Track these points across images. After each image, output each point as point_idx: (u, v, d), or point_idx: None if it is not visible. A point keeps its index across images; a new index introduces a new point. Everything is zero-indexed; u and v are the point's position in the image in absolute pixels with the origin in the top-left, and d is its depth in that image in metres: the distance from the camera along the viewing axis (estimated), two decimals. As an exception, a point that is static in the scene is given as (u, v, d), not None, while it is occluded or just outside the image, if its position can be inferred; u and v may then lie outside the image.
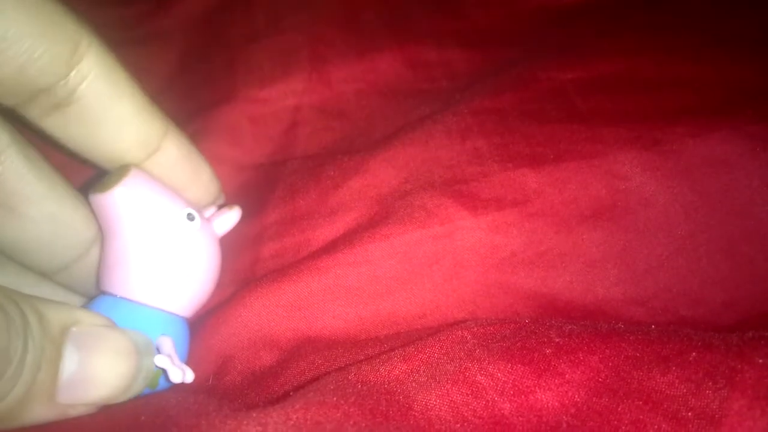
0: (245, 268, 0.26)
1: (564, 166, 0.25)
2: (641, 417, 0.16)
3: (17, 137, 0.20)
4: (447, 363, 0.19)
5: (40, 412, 0.17)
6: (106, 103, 0.20)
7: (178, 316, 0.22)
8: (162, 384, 0.21)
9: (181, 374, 0.19)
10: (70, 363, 0.17)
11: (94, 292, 0.23)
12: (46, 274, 0.22)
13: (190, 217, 0.22)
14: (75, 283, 0.23)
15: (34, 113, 0.20)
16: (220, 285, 0.25)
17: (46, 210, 0.21)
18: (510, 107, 0.29)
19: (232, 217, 0.24)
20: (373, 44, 0.36)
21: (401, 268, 0.24)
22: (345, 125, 0.33)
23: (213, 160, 0.26)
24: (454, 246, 0.24)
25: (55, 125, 0.20)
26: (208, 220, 0.23)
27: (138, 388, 0.19)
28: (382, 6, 0.38)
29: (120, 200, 0.20)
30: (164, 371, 0.20)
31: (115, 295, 0.21)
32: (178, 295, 0.21)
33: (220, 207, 0.25)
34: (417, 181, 0.26)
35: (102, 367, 0.17)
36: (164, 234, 0.21)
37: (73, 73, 0.19)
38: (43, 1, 0.18)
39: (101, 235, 0.22)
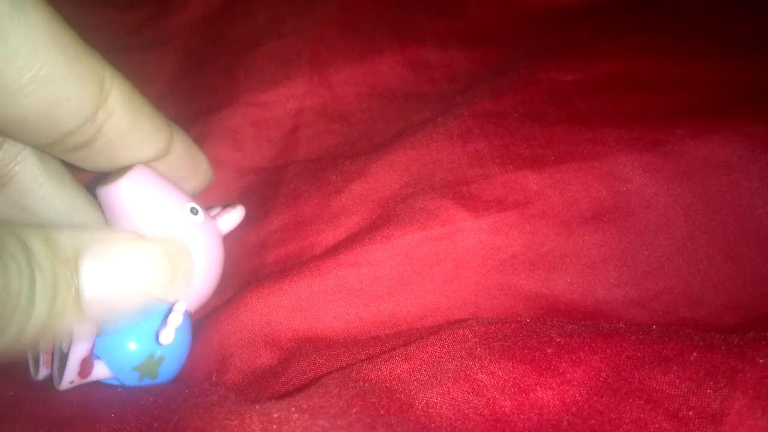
0: (249, 273, 0.26)
1: (565, 168, 0.25)
2: (642, 416, 0.16)
3: None
4: (448, 361, 0.19)
5: (74, 323, 0.17)
6: (128, 132, 0.20)
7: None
8: (162, 375, 0.21)
9: (170, 337, 0.20)
10: (91, 279, 0.17)
11: None
12: None
13: (194, 211, 0.22)
14: None
15: (58, 151, 0.20)
16: (224, 289, 0.26)
17: (56, 209, 0.22)
18: (511, 109, 0.29)
19: (236, 215, 0.24)
20: (374, 47, 0.36)
21: (402, 270, 0.24)
22: (346, 128, 0.33)
23: (215, 164, 0.26)
24: (455, 247, 0.24)
25: (79, 159, 0.21)
26: (213, 218, 0.23)
27: (179, 288, 0.19)
28: (383, 8, 0.39)
29: (125, 192, 0.21)
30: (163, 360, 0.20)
31: None
32: None
33: (225, 206, 0.25)
34: (418, 184, 0.26)
35: (128, 273, 0.18)
36: (168, 226, 0.21)
37: (100, 112, 0.19)
38: (72, 41, 0.18)
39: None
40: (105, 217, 0.22)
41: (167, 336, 0.19)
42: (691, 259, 0.24)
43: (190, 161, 0.24)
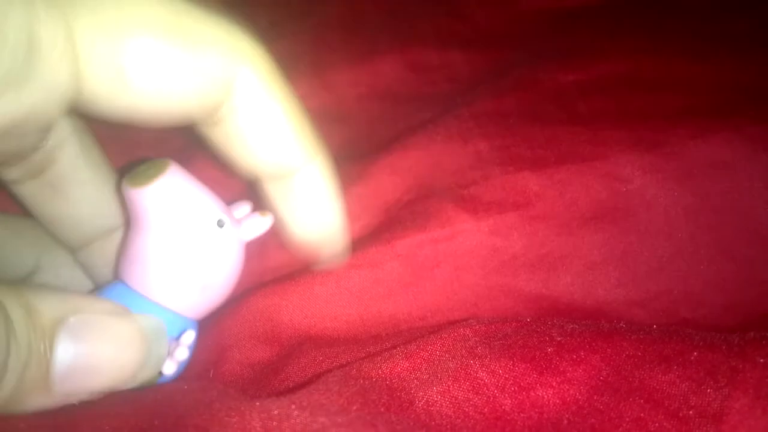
0: (253, 277, 0.26)
1: (565, 169, 0.25)
2: (642, 415, 0.16)
3: (78, 126, 0.21)
4: (449, 360, 0.19)
5: (38, 401, 0.16)
6: (251, 129, 0.20)
7: (188, 318, 0.21)
8: (159, 383, 0.21)
9: (173, 369, 0.19)
10: (64, 354, 0.16)
11: (106, 277, 0.23)
12: (72, 249, 0.23)
13: (220, 224, 0.21)
14: (92, 263, 0.23)
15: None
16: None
17: (87, 192, 0.22)
18: (511, 110, 0.29)
19: (263, 224, 0.23)
20: (375, 48, 0.36)
21: (403, 271, 0.24)
22: (347, 129, 0.33)
23: (215, 165, 0.26)
24: (455, 249, 0.24)
25: (199, 131, 0.20)
26: (239, 221, 0.22)
27: (149, 373, 0.19)
28: (383, 10, 0.39)
29: (152, 197, 0.20)
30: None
31: (131, 288, 0.20)
32: (193, 300, 0.21)
33: (254, 210, 0.24)
34: (420, 188, 0.26)
35: (102, 355, 0.17)
36: (191, 238, 0.20)
37: (223, 108, 0.19)
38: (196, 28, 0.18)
39: (127, 223, 0.22)
40: (126, 213, 0.21)
41: (170, 368, 0.19)
42: (692, 259, 0.24)
43: (316, 203, 0.22)
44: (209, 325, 0.23)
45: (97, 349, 0.17)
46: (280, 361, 0.21)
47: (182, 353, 0.20)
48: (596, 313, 0.23)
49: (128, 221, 0.21)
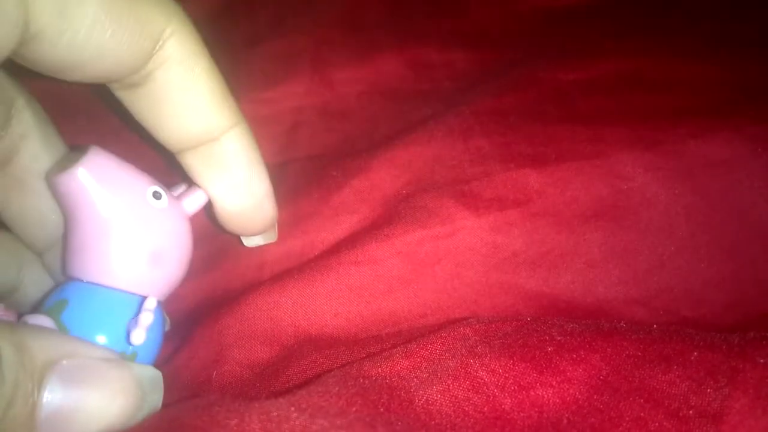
0: (252, 271, 0.26)
1: (566, 167, 0.25)
2: (642, 415, 0.16)
3: (40, 116, 0.21)
4: (449, 359, 0.19)
5: None
6: (177, 88, 0.20)
7: (144, 297, 0.20)
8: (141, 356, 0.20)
9: (141, 337, 0.19)
10: (51, 398, 0.16)
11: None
12: (38, 251, 0.23)
13: (157, 195, 0.21)
14: (55, 268, 0.23)
15: (111, 86, 0.20)
16: (225, 288, 0.25)
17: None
18: (512, 107, 0.29)
19: (201, 196, 0.23)
20: (375, 46, 0.36)
21: (403, 268, 0.24)
22: (347, 126, 0.33)
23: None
24: (455, 246, 0.24)
25: (127, 98, 0.20)
26: (178, 198, 0.22)
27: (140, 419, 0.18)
28: (384, 8, 0.39)
29: (82, 180, 0.19)
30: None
31: (82, 281, 0.20)
32: (146, 276, 0.20)
33: (190, 185, 0.23)
34: (419, 181, 0.26)
35: (92, 402, 0.16)
36: (127, 213, 0.20)
37: (151, 61, 0.19)
38: None
39: (65, 218, 0.21)
40: (60, 207, 0.21)
41: (139, 336, 0.18)
42: (692, 258, 0.24)
43: (242, 170, 0.22)
44: (210, 322, 0.23)
45: (87, 395, 0.16)
46: (281, 363, 0.21)
47: (146, 318, 0.19)
48: (596, 311, 0.23)
49: (64, 214, 0.21)
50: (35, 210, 0.22)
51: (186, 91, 0.20)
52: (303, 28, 0.37)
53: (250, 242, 0.25)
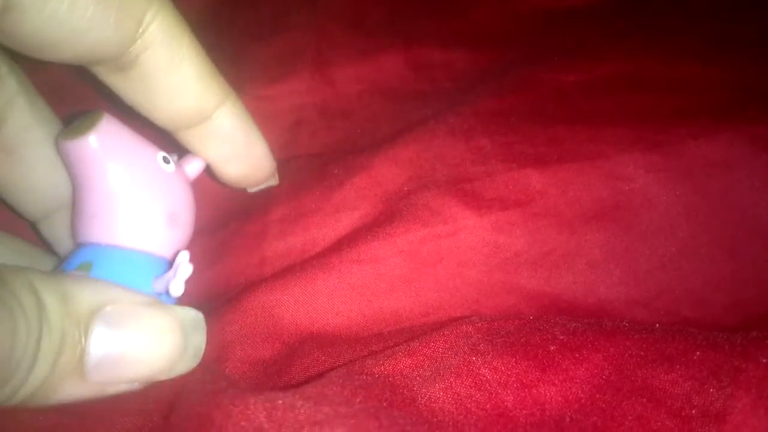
0: (252, 268, 0.26)
1: (567, 167, 0.25)
2: (645, 414, 0.16)
3: (25, 84, 0.21)
4: (451, 357, 0.19)
5: (72, 391, 0.16)
6: (165, 71, 0.20)
7: (163, 257, 0.21)
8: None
9: (181, 288, 0.19)
10: (98, 341, 0.16)
11: (69, 248, 0.22)
12: (33, 221, 0.23)
13: (166, 160, 0.22)
14: (55, 235, 0.23)
15: (97, 71, 0.20)
16: (226, 284, 0.25)
17: (41, 153, 0.22)
18: (513, 108, 0.29)
19: (199, 163, 0.24)
20: (377, 45, 0.36)
21: (405, 267, 0.24)
22: (347, 125, 0.33)
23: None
24: (457, 245, 0.24)
25: (115, 84, 0.20)
26: (180, 165, 0.23)
27: (186, 364, 0.19)
28: (386, 7, 0.39)
29: (96, 146, 0.20)
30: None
31: (99, 244, 0.20)
32: (164, 236, 0.21)
33: (182, 154, 0.24)
34: (421, 179, 0.26)
35: (138, 345, 0.17)
36: (148, 177, 0.21)
37: (136, 44, 0.19)
38: None
39: (74, 183, 0.21)
40: (70, 173, 0.21)
41: (178, 287, 0.19)
42: (693, 258, 0.24)
43: (240, 139, 0.23)
44: (212, 319, 0.23)
45: (133, 338, 0.17)
46: (283, 361, 0.21)
47: (185, 269, 0.19)
48: (598, 312, 0.23)
49: (74, 180, 0.21)
50: (28, 182, 0.22)
51: (174, 74, 0.20)
52: (304, 25, 0.37)
53: (253, 189, 0.27)
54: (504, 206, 0.25)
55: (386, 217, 0.25)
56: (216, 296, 0.25)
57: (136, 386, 0.18)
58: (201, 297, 0.25)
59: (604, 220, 0.25)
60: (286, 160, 0.30)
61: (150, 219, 0.21)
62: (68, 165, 0.21)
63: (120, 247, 0.20)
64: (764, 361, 0.16)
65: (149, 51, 0.19)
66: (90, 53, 0.19)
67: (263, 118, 0.32)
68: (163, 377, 0.18)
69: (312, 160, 0.30)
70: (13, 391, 0.15)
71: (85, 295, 0.17)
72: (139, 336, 0.17)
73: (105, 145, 0.20)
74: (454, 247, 0.24)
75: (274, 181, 0.27)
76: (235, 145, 0.23)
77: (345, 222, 0.25)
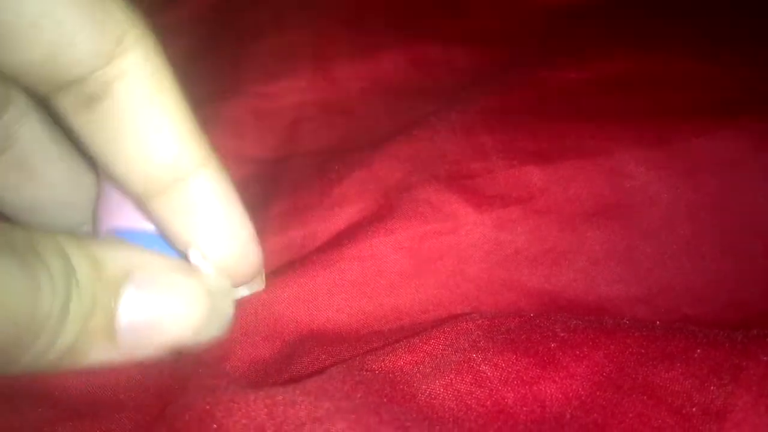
0: None
1: (569, 164, 0.25)
2: (645, 411, 0.16)
3: (32, 103, 0.21)
4: (451, 354, 0.19)
5: (101, 356, 0.16)
6: (140, 108, 0.17)
7: None
8: None
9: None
10: (129, 308, 0.16)
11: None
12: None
13: None
14: None
15: (65, 104, 0.17)
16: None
17: (61, 170, 0.21)
18: (514, 106, 0.29)
19: None
20: (377, 42, 0.36)
21: (405, 263, 0.24)
22: (348, 122, 0.33)
23: (215, 151, 0.26)
24: (458, 242, 0.24)
25: (80, 122, 0.18)
26: None
27: (213, 330, 0.19)
28: (387, 4, 0.39)
29: None
30: None
31: (132, 229, 0.20)
32: None
33: None
34: (421, 174, 0.26)
35: (167, 309, 0.17)
36: None
37: (110, 67, 0.17)
38: None
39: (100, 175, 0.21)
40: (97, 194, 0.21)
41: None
42: (695, 256, 0.24)
43: (220, 214, 0.19)
44: None
45: (163, 303, 0.17)
46: (283, 360, 0.21)
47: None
48: (598, 309, 0.23)
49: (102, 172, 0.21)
50: (49, 199, 0.22)
51: (149, 114, 0.17)
52: (305, 22, 0.37)
53: (237, 290, 0.22)
54: (505, 203, 0.25)
55: (386, 213, 0.25)
56: None
57: (161, 353, 0.18)
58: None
59: (606, 217, 0.25)
60: (286, 158, 0.30)
61: None
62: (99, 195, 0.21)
63: (142, 230, 0.20)
64: (765, 359, 0.16)
65: (125, 81, 0.17)
66: (52, 60, 0.16)
67: (263, 115, 0.32)
68: (190, 343, 0.18)
69: (312, 158, 0.30)
70: (41, 353, 0.15)
71: (115, 259, 0.17)
72: (169, 300, 0.17)
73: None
74: (454, 243, 0.24)
75: (260, 284, 0.22)
76: (214, 221, 0.19)
77: (345, 216, 0.25)
